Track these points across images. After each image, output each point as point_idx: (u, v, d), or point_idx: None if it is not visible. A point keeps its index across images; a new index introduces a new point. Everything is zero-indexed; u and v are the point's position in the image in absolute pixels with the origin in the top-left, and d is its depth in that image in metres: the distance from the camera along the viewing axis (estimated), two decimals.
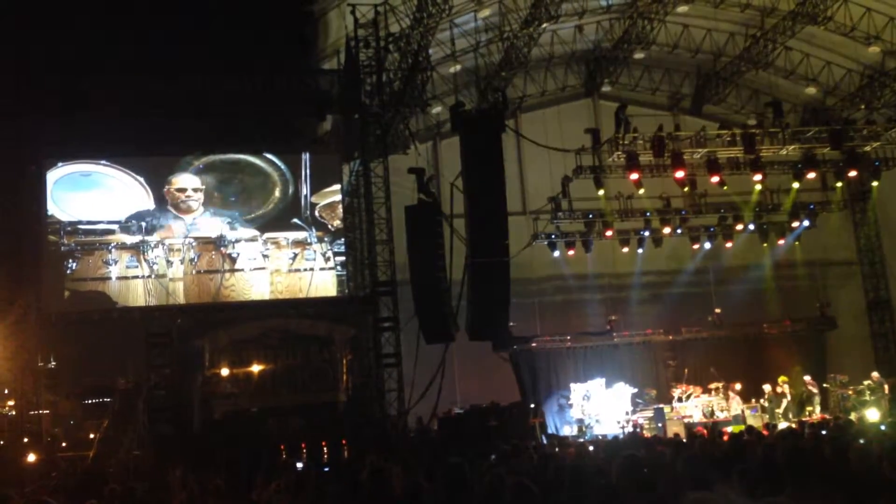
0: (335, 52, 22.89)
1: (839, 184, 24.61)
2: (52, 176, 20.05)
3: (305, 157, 21.40)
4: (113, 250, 19.89)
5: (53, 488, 12.09)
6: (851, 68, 24.21)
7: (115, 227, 20.02)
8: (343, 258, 21.51)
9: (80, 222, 19.97)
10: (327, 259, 21.20)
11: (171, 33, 24.66)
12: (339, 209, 21.66)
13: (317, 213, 21.55)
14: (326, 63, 23.52)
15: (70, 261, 19.69)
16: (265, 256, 20.81)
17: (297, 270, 20.93)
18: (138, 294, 20.04)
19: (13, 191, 20.53)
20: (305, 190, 21.17)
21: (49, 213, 19.91)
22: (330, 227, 21.56)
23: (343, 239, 21.77)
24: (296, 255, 20.99)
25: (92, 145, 21.17)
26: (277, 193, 21.18)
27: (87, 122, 20.39)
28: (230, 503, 9.01)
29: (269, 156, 21.41)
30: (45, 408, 21.81)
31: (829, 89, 24.76)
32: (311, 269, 21.05)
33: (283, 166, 21.29)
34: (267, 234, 20.97)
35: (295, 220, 21.22)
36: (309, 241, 21.21)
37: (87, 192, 20.20)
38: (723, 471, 5.68)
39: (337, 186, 21.95)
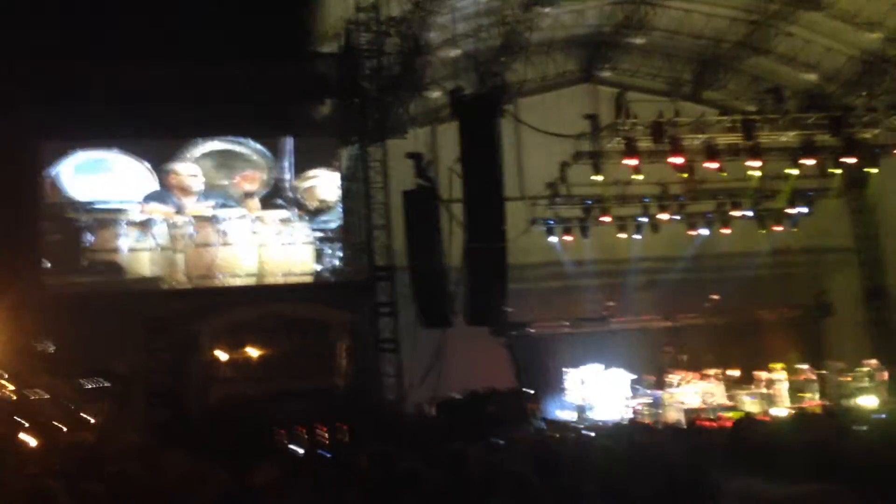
0: (334, 35, 22.77)
1: (838, 170, 24.55)
2: (72, 161, 22.06)
3: (288, 142, 22.96)
4: (123, 225, 22.00)
5: (53, 471, 12.09)
6: (852, 55, 24.10)
7: (124, 205, 22.13)
8: (321, 234, 23.10)
9: (95, 201, 22.04)
10: (307, 235, 23.00)
11: (168, 18, 24.50)
12: (317, 191, 23.26)
13: (298, 195, 22.98)
14: (325, 47, 23.40)
15: (87, 234, 21.80)
16: (253, 232, 22.62)
17: (282, 245, 22.82)
18: (145, 265, 22.08)
19: (12, 175, 20.57)
20: (288, 174, 22.92)
21: (68, 193, 21.94)
22: (309, 206, 23.14)
23: (320, 217, 23.22)
24: (280, 231, 22.80)
25: (90, 130, 21.43)
26: (265, 177, 22.89)
27: (85, 107, 20.52)
28: (228, 487, 9.01)
29: (256, 144, 22.95)
30: (44, 391, 21.84)
31: (830, 76, 24.64)
32: (293, 244, 22.88)
33: (268, 153, 22.93)
34: (255, 213, 22.69)
35: (279, 201, 22.87)
36: (291, 219, 22.89)
37: (101, 175, 22.22)
38: (726, 457, 5.69)
39: (315, 171, 23.17)
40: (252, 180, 22.78)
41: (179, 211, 22.40)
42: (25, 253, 20.80)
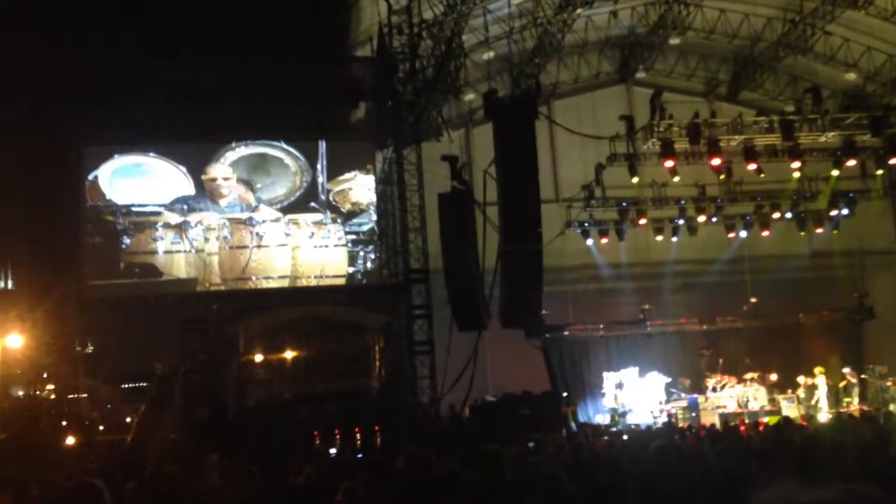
0: (368, 39, 22.89)
1: (879, 171, 24.15)
2: (111, 165, 22.32)
3: (321, 147, 23.00)
4: (160, 229, 22.21)
5: (92, 471, 12.27)
6: (893, 53, 23.71)
7: (161, 209, 22.35)
8: (354, 237, 23.11)
9: (133, 205, 22.28)
10: (339, 238, 23.05)
11: (205, 22, 24.85)
12: (350, 194, 23.35)
13: (331, 198, 23.03)
14: (359, 50, 23.53)
15: (125, 237, 22.07)
16: (287, 235, 22.72)
17: (315, 247, 22.87)
18: (181, 266, 22.24)
19: (54, 179, 20.97)
20: (321, 177, 22.99)
21: (108, 197, 22.15)
22: (342, 209, 23.19)
23: (353, 220, 23.23)
24: (313, 233, 22.86)
25: (130, 133, 21.69)
26: (298, 181, 23.04)
27: (127, 111, 20.89)
28: (264, 488, 9.08)
29: (290, 147, 23.01)
30: (84, 392, 22.22)
31: (870, 75, 24.27)
32: (326, 246, 22.91)
33: (301, 157, 23.01)
34: (289, 216, 22.79)
35: (312, 204, 22.95)
36: (324, 222, 22.96)
37: (139, 179, 22.51)
38: (763, 462, 5.61)
39: (348, 174, 23.26)
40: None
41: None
42: (67, 255, 21.15)
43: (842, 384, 21.56)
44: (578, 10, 21.77)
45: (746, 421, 17.79)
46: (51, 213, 21.03)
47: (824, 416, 19.12)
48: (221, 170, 22.63)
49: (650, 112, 21.34)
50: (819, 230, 25.03)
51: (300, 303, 23.07)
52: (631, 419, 20.59)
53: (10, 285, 24.47)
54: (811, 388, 21.11)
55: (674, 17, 23.49)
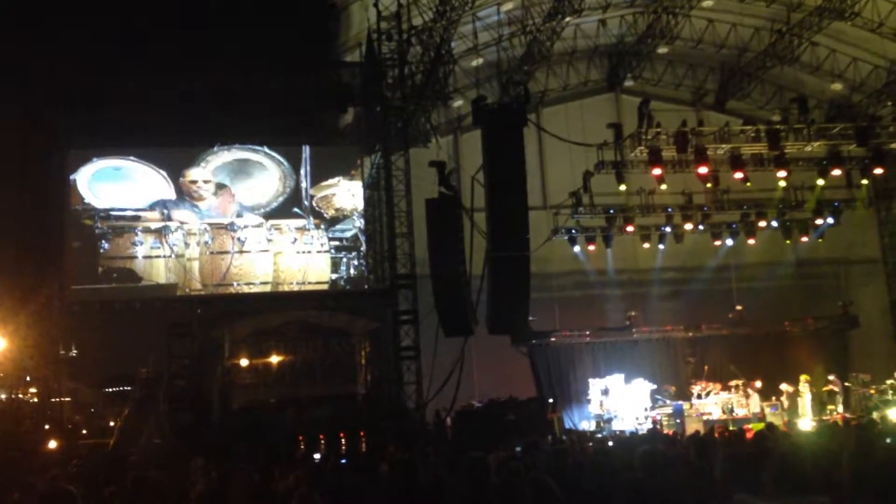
0: (357, 44, 22.88)
1: (864, 181, 24.32)
2: (90, 169, 21.99)
3: (305, 152, 22.82)
4: (139, 233, 21.86)
5: (74, 475, 12.18)
6: (878, 64, 23.92)
7: (141, 213, 21.98)
8: (337, 243, 22.88)
9: (112, 209, 21.89)
10: (322, 244, 22.82)
11: (193, 28, 24.77)
12: (334, 200, 23.12)
13: (314, 204, 22.79)
14: (348, 55, 23.52)
15: (103, 241, 21.71)
16: (269, 240, 22.51)
17: (297, 253, 22.64)
18: (160, 271, 21.87)
19: (39, 183, 20.82)
20: (305, 183, 22.79)
21: (86, 201, 21.81)
22: (325, 215, 22.98)
23: (336, 226, 22.99)
24: (296, 239, 22.63)
25: (115, 138, 21.56)
26: (281, 186, 22.82)
27: (111, 116, 20.80)
28: (249, 494, 9.03)
29: (273, 152, 22.80)
30: (67, 396, 22.07)
31: (856, 85, 24.46)
32: (309, 252, 22.67)
33: (285, 162, 22.81)
34: (271, 221, 22.55)
35: (295, 209, 22.71)
36: (307, 227, 22.71)
37: (118, 183, 22.11)
38: (750, 469, 5.62)
39: (332, 180, 23.04)
40: None
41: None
42: (51, 259, 20.99)
43: (826, 391, 21.68)
44: (567, 18, 21.86)
45: (731, 428, 17.82)
46: (35, 217, 20.84)
47: (808, 423, 19.19)
48: (201, 173, 22.33)
49: (638, 120, 21.43)
50: (804, 239, 25.21)
51: (286, 308, 22.99)
52: (616, 425, 20.62)
53: None
54: (794, 396, 21.22)
55: (662, 27, 23.63)
